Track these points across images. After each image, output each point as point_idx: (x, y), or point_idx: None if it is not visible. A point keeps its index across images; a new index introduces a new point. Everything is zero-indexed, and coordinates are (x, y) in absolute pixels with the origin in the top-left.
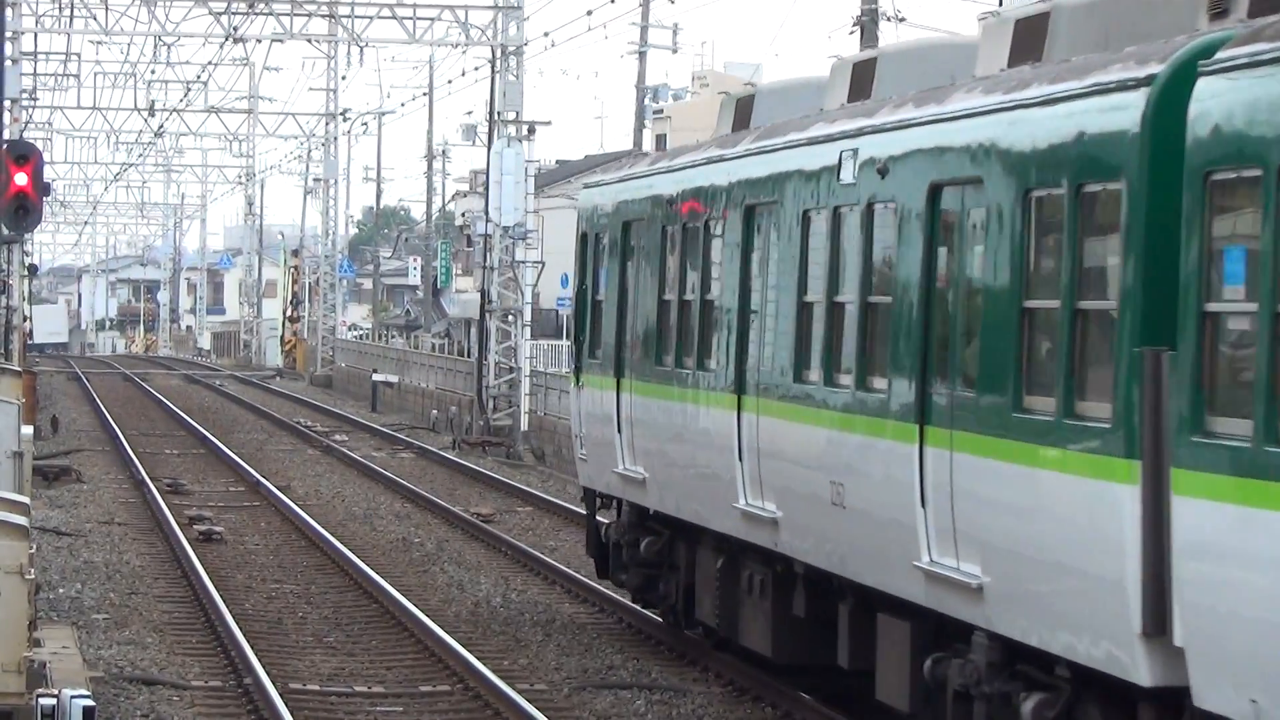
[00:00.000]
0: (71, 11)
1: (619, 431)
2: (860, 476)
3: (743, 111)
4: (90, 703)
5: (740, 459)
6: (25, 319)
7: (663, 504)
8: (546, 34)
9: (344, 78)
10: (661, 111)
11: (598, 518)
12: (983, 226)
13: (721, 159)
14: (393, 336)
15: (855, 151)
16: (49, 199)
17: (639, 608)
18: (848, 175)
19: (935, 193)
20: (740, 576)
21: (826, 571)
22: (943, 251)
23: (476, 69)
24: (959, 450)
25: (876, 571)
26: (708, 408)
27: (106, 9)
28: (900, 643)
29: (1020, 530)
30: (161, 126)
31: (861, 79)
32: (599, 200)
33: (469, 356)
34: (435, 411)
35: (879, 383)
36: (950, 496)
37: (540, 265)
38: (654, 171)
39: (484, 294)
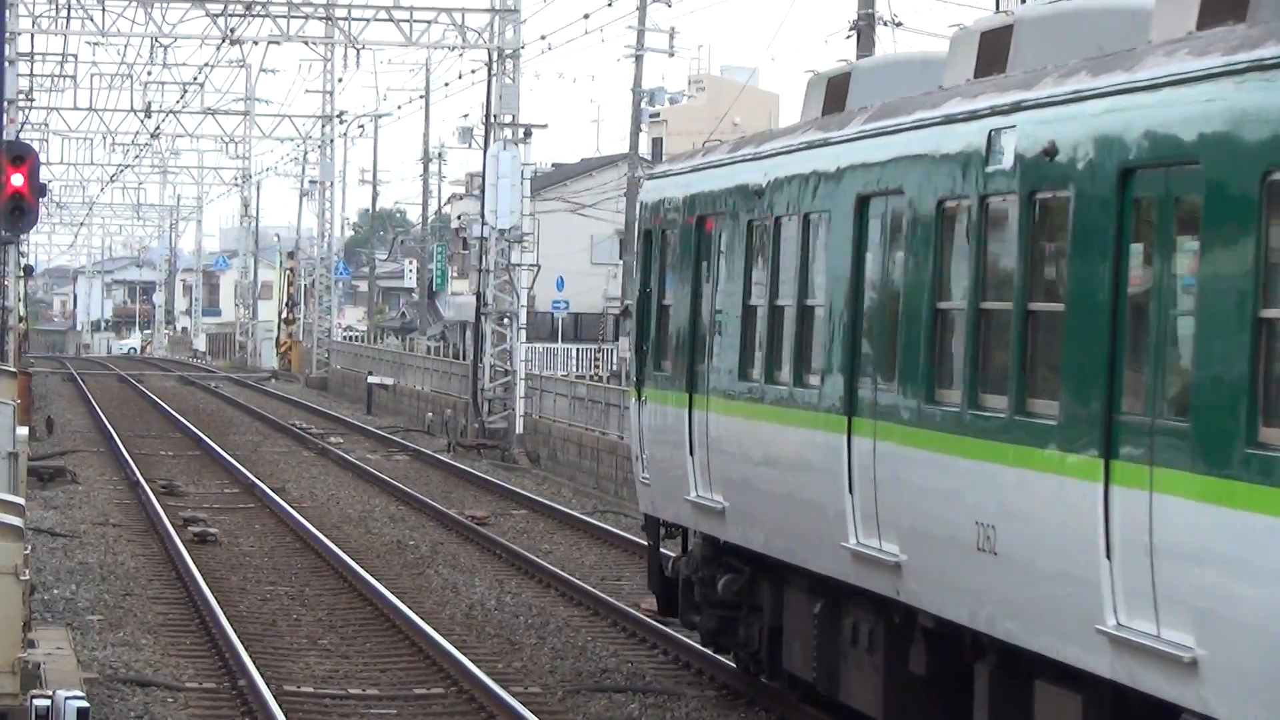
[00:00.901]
0: (68, 12)
1: (691, 454)
2: (1019, 519)
3: (836, 92)
4: (84, 704)
5: (850, 491)
6: (21, 320)
7: (746, 538)
8: (543, 37)
9: (340, 80)
10: (658, 115)
11: (663, 550)
12: (1200, 216)
13: (825, 143)
14: (386, 336)
15: (1010, 130)
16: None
17: (710, 652)
18: (1001, 158)
19: (1126, 177)
20: (843, 624)
21: (965, 628)
22: (1138, 249)
23: (473, 72)
24: (1163, 492)
25: (1040, 633)
26: (808, 430)
27: (103, 10)
28: None
29: (1249, 594)
30: (158, 128)
31: (993, 50)
32: (666, 192)
33: (464, 359)
34: (430, 414)
35: (1044, 407)
36: (1149, 551)
37: (536, 268)
38: (737, 159)
39: (479, 297)
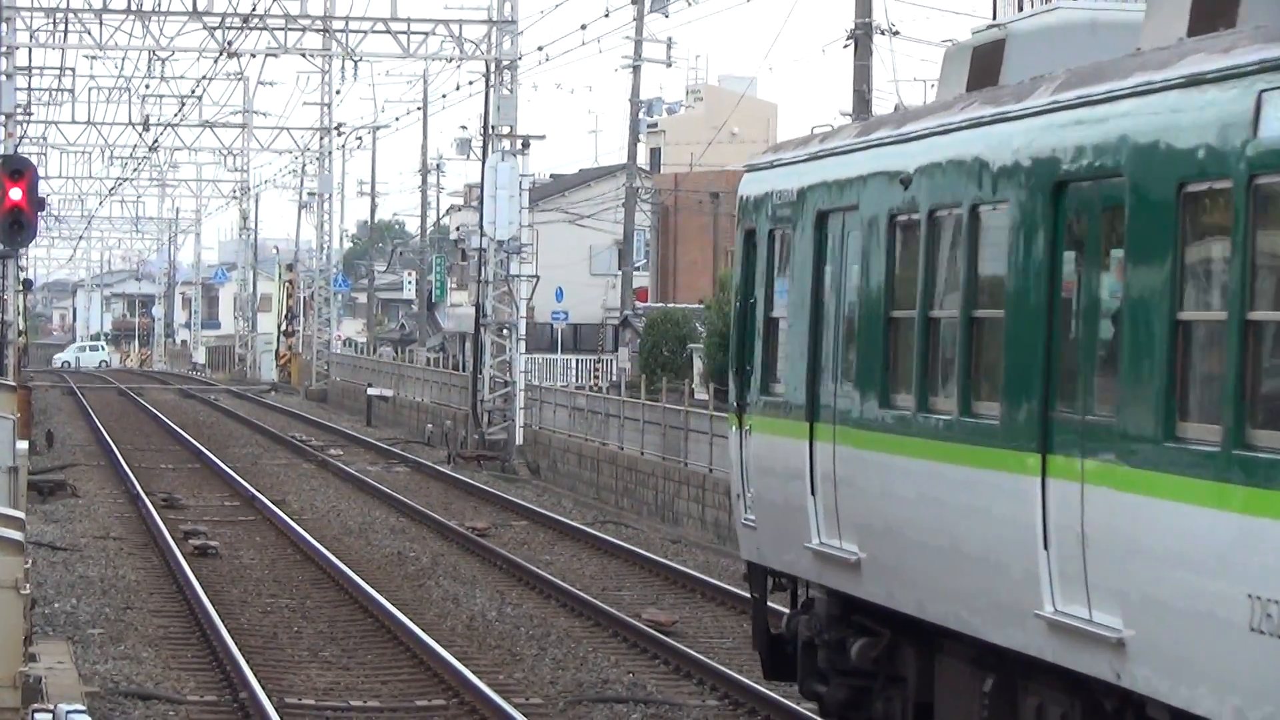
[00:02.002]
0: (66, 27)
1: (813, 494)
2: None
3: (985, 63)
4: (86, 718)
5: (1046, 547)
6: (20, 334)
7: (889, 597)
8: (540, 48)
9: (338, 92)
10: (656, 125)
11: (770, 604)
12: None
13: (1001, 118)
14: (381, 346)
15: None
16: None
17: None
18: (1277, 127)
19: None
20: (1024, 706)
21: None
22: None
23: (471, 83)
24: None
25: None
26: (982, 470)
27: (101, 24)
28: None
29: None
30: (156, 141)
31: (1215, 2)
32: (774, 184)
33: (464, 370)
34: (430, 425)
35: None
36: None
37: (535, 279)
38: (871, 142)
39: (479, 308)
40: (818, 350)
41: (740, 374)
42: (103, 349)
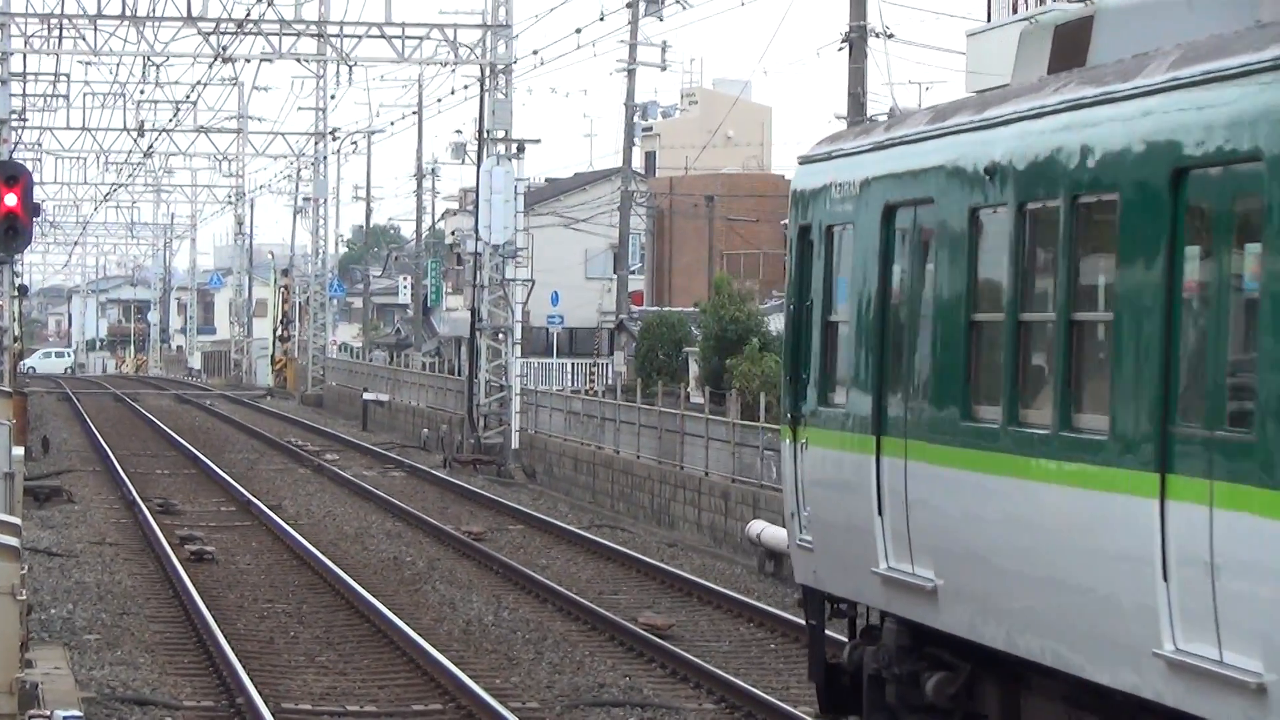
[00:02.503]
0: (60, 32)
1: (880, 514)
2: None
3: (1070, 42)
4: None
5: (1165, 578)
6: (16, 340)
7: (971, 628)
8: (535, 52)
9: (333, 97)
10: (651, 129)
11: (829, 632)
12: None
13: (1106, 99)
14: (374, 349)
15: None
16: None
17: None
18: None
19: None
20: None
21: None
22: None
23: (466, 87)
24: None
25: None
26: (1087, 491)
27: (95, 29)
28: None
29: None
30: (151, 146)
31: None
32: (834, 176)
33: (459, 375)
34: (426, 430)
35: None
36: None
37: (530, 283)
38: (948, 129)
39: (474, 312)
40: (885, 357)
41: (795, 382)
42: (68, 354)
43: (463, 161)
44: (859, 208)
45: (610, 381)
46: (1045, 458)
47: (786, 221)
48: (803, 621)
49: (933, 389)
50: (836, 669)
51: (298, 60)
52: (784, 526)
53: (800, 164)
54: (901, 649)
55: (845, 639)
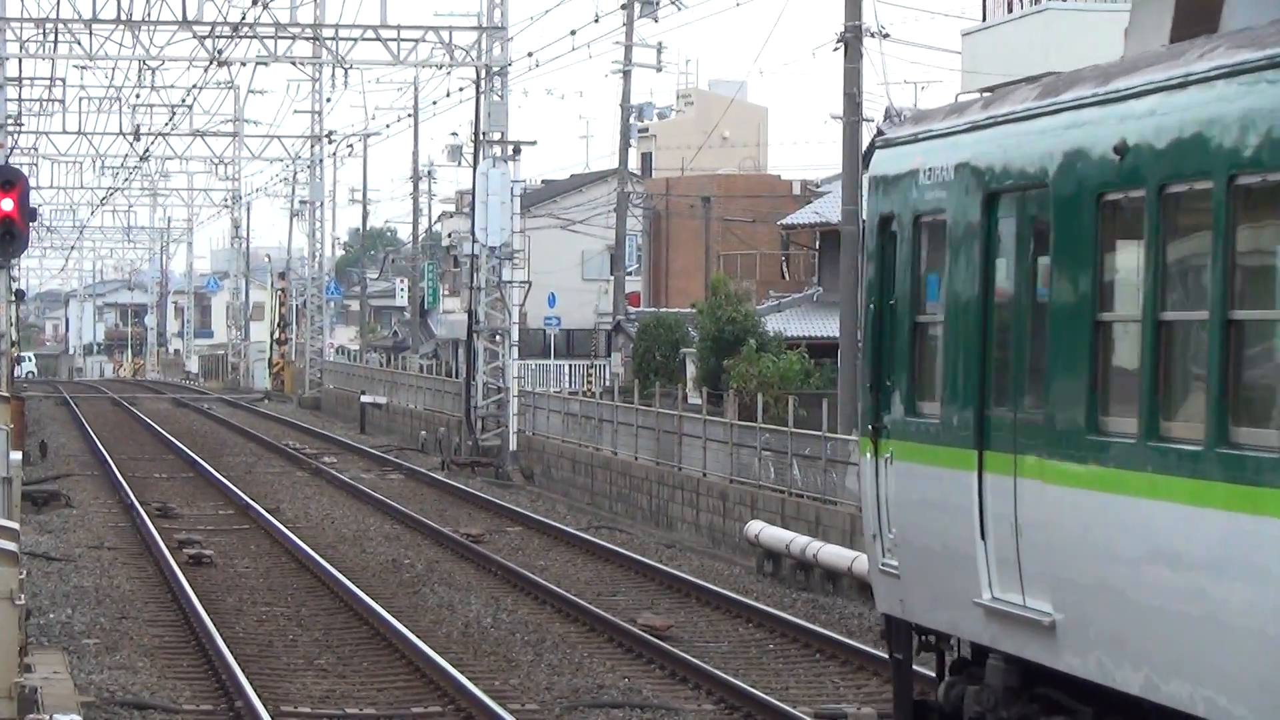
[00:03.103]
0: (56, 37)
1: (983, 538)
2: None
3: (1197, 7)
4: None
5: None
6: (13, 345)
7: (1101, 670)
8: (530, 54)
9: (329, 100)
10: (647, 130)
11: (916, 666)
12: None
13: (1273, 63)
14: (369, 351)
15: None
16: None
17: None
18: None
19: None
20: None
21: None
22: None
23: (461, 90)
24: None
25: None
26: (1256, 519)
27: (91, 34)
28: None
29: None
30: (147, 150)
31: None
32: (922, 161)
33: (457, 377)
34: (424, 432)
35: None
36: None
37: (527, 285)
38: (1063, 105)
39: (471, 314)
40: (988, 362)
41: (875, 390)
42: (29, 359)
43: (459, 164)
44: (954, 195)
45: (608, 383)
46: (1197, 478)
47: (864, 215)
48: (804, 623)
49: (1049, 398)
50: (924, 706)
51: (293, 64)
52: (783, 527)
53: (879, 148)
54: (1009, 690)
55: (933, 673)
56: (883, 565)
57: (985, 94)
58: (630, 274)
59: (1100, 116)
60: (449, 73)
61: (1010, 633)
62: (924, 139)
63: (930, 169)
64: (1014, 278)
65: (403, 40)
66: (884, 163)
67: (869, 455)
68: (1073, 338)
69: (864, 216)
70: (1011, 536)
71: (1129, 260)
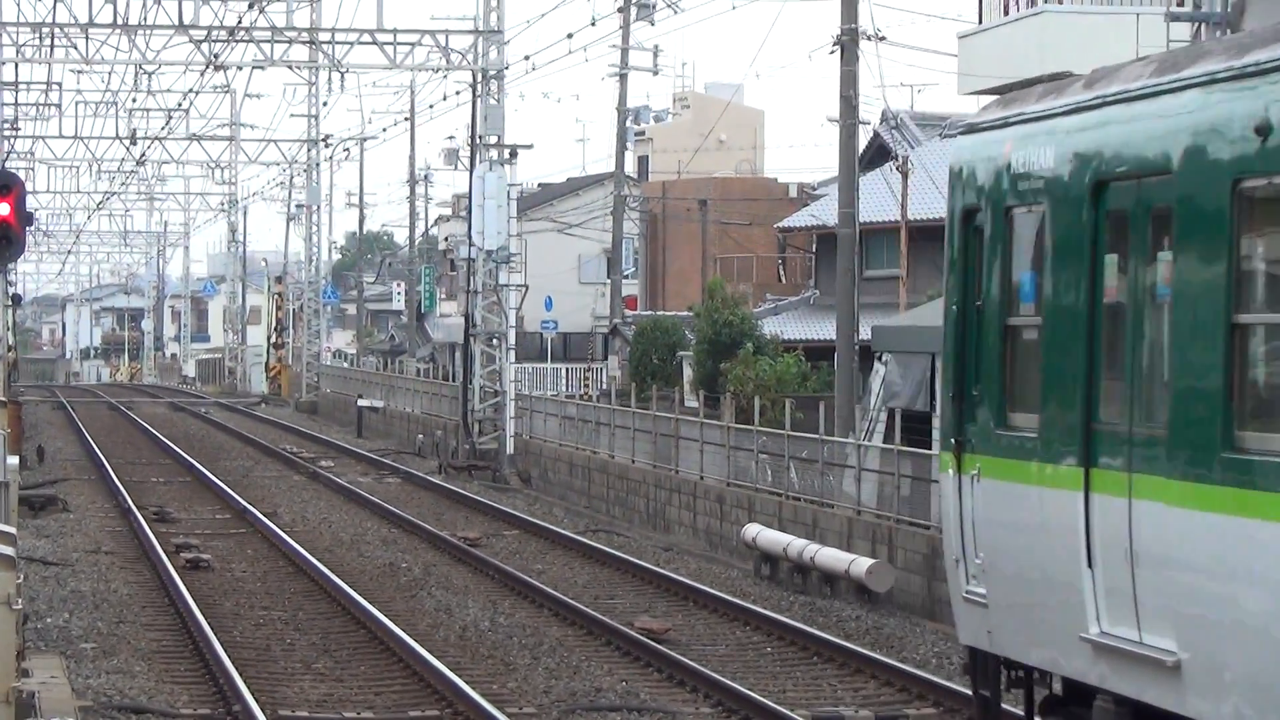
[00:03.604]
0: (52, 41)
1: (1090, 565)
2: None
3: None
4: None
5: None
6: (10, 349)
7: (1239, 718)
8: (527, 58)
9: (325, 104)
10: (643, 133)
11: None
12: None
13: None
14: (367, 354)
15: None
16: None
17: None
18: None
19: None
20: None
21: None
22: None
23: (457, 93)
24: None
25: None
26: None
27: (87, 38)
28: None
29: None
30: (143, 154)
31: None
32: (1013, 147)
33: (454, 381)
34: (421, 436)
35: None
36: None
37: (524, 288)
38: (1187, 81)
39: (468, 318)
40: (1096, 369)
41: (958, 399)
42: None
43: (455, 167)
44: (1054, 184)
45: (605, 386)
46: None
47: (948, 206)
48: (802, 626)
49: (1175, 410)
50: None
51: (290, 67)
52: (780, 530)
53: (963, 134)
54: None
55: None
56: (967, 593)
57: (1104, 70)
58: (627, 277)
59: (1236, 93)
60: (445, 76)
61: (1124, 672)
62: (1016, 123)
63: (1024, 156)
64: (1128, 275)
65: (399, 44)
66: (968, 150)
67: (951, 471)
68: (1203, 342)
69: (945, 210)
70: (1125, 564)
71: (1273, 254)
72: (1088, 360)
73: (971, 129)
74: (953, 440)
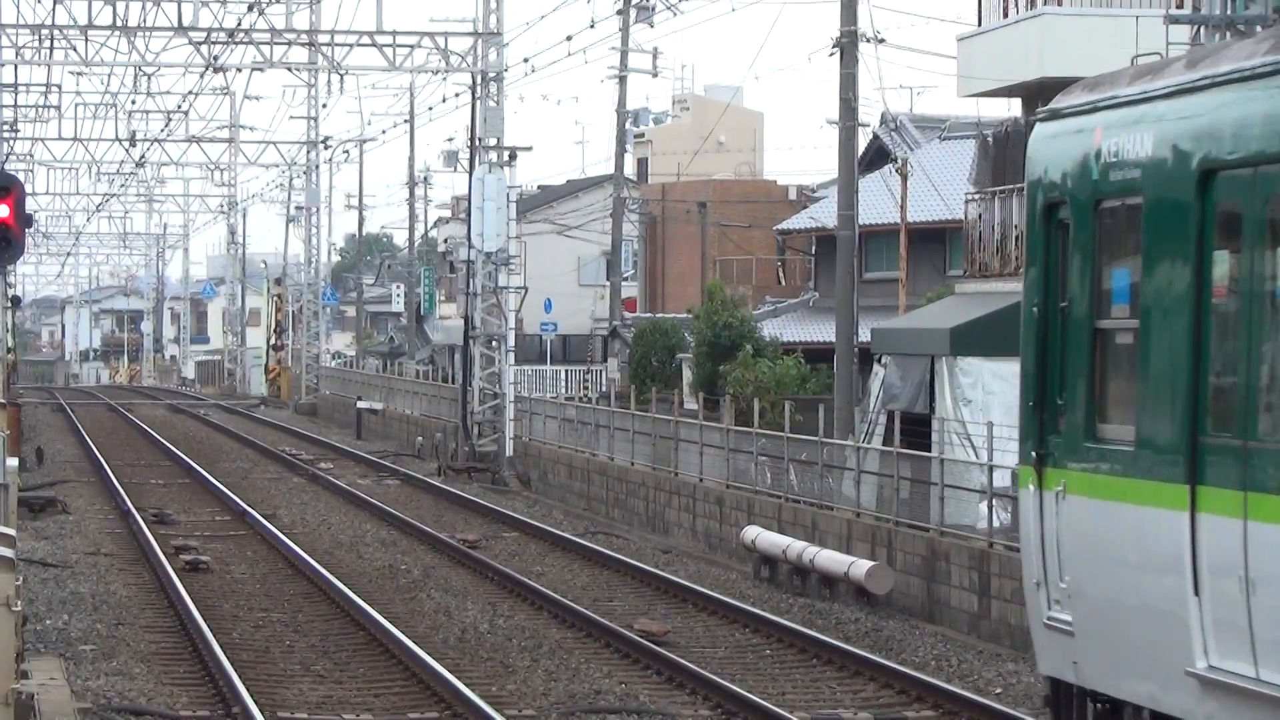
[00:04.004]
0: (51, 43)
1: (1197, 593)
2: None
3: None
4: None
5: None
6: (10, 351)
7: None
8: (526, 60)
9: (325, 106)
10: (643, 135)
11: None
12: None
13: None
14: (371, 357)
15: None
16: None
17: None
18: None
19: None
20: None
21: None
22: None
23: (457, 95)
24: None
25: None
26: None
27: (86, 40)
28: None
29: None
30: (143, 157)
31: None
32: (1103, 135)
33: (453, 383)
34: (420, 438)
35: None
36: None
37: (523, 290)
38: None
39: (468, 320)
40: (1203, 377)
41: (1041, 408)
42: None
43: (455, 169)
44: (1152, 174)
45: (604, 388)
46: None
47: (1032, 198)
48: (801, 628)
49: None
50: None
51: (289, 69)
52: (780, 532)
53: (1043, 121)
54: None
55: None
56: (1049, 619)
57: (1149, 58)
58: (626, 279)
59: None
60: (445, 78)
61: (1236, 711)
62: (1106, 107)
63: (1117, 144)
64: (1243, 273)
65: (398, 46)
66: (1049, 139)
67: (1031, 486)
68: None
69: (1025, 204)
70: (1239, 593)
71: None
72: (1193, 366)
73: (1054, 115)
74: (1033, 453)
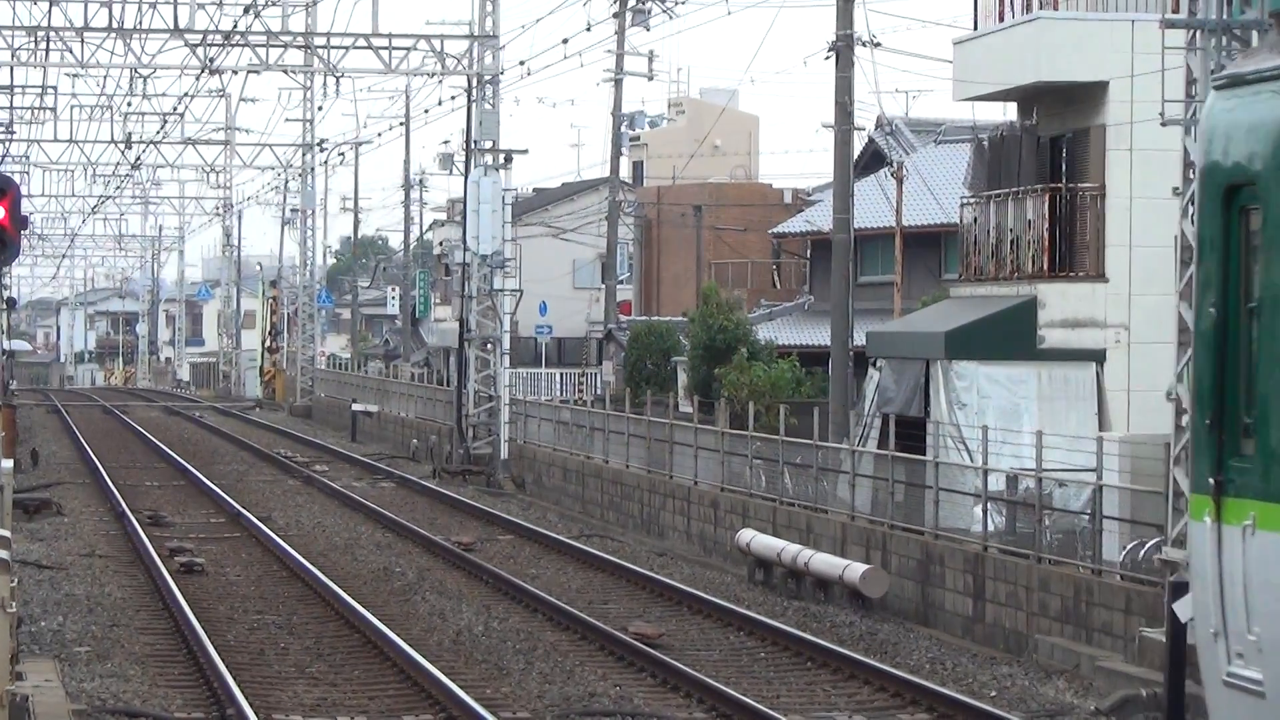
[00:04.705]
0: (47, 45)
1: None
2: None
3: None
4: None
5: None
6: (4, 353)
7: None
8: (522, 63)
9: (320, 108)
10: (638, 138)
11: None
12: None
13: None
14: (363, 361)
15: None
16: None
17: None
18: None
19: None
20: None
21: None
22: None
23: (453, 98)
24: None
25: None
26: None
27: (82, 42)
28: None
29: None
30: (138, 159)
31: None
32: None
33: (448, 385)
34: (415, 441)
35: None
36: None
37: (518, 293)
38: None
39: (463, 323)
40: None
41: (1218, 427)
42: None
43: (450, 172)
44: None
45: (599, 391)
46: None
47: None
48: (795, 631)
49: None
50: None
51: (285, 72)
52: (774, 535)
53: (1219, 89)
54: None
55: None
56: (1229, 676)
57: None
58: (622, 282)
59: None
60: (440, 81)
61: None
62: None
63: None
64: None
65: (394, 48)
66: (1228, 110)
67: (1208, 519)
68: None
69: (1195, 187)
70: None
71: None
72: None
73: (1236, 81)
74: (1210, 479)
